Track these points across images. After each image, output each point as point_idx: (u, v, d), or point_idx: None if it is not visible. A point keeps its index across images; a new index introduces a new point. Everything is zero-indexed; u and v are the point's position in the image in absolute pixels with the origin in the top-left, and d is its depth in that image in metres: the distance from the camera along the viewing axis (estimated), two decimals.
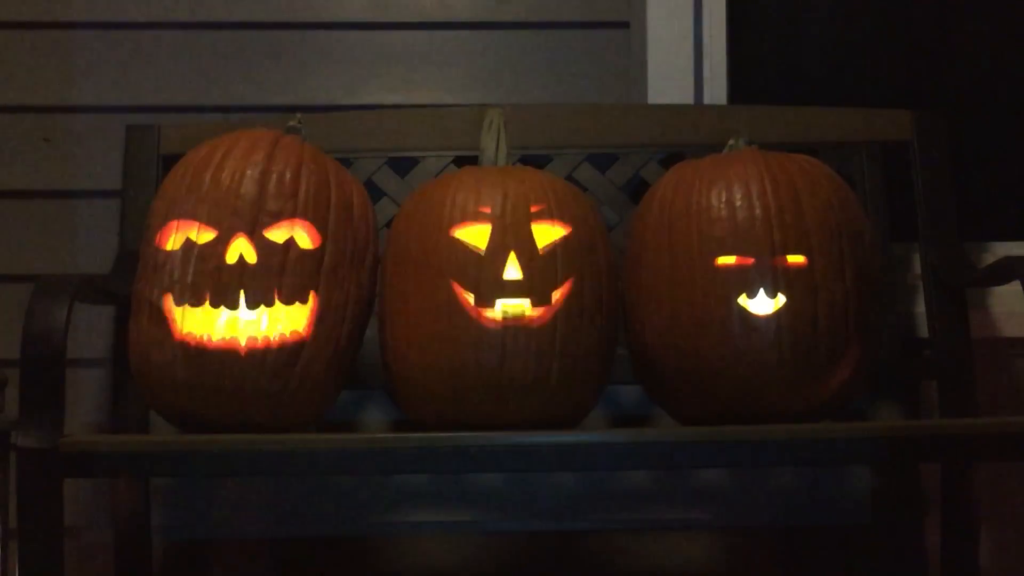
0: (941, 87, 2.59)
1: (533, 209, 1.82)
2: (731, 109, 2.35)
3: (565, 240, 1.82)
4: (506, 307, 1.78)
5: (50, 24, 2.33)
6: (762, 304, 1.80)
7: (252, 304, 1.78)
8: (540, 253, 1.80)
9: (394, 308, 1.85)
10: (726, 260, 1.82)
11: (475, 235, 1.81)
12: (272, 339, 1.78)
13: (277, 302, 1.78)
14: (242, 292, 1.78)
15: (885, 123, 2.26)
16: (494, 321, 1.77)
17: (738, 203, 1.83)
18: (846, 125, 2.26)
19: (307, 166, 1.85)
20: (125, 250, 2.13)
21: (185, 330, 1.77)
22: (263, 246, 1.79)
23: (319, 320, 1.81)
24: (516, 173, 1.89)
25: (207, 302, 1.77)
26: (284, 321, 1.79)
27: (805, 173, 1.88)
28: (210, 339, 1.77)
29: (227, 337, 1.77)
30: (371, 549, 2.32)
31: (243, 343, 1.77)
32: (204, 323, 1.78)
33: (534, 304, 1.79)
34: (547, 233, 1.82)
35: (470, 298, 1.78)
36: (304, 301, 1.80)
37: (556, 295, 1.80)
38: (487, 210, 1.82)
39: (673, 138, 2.24)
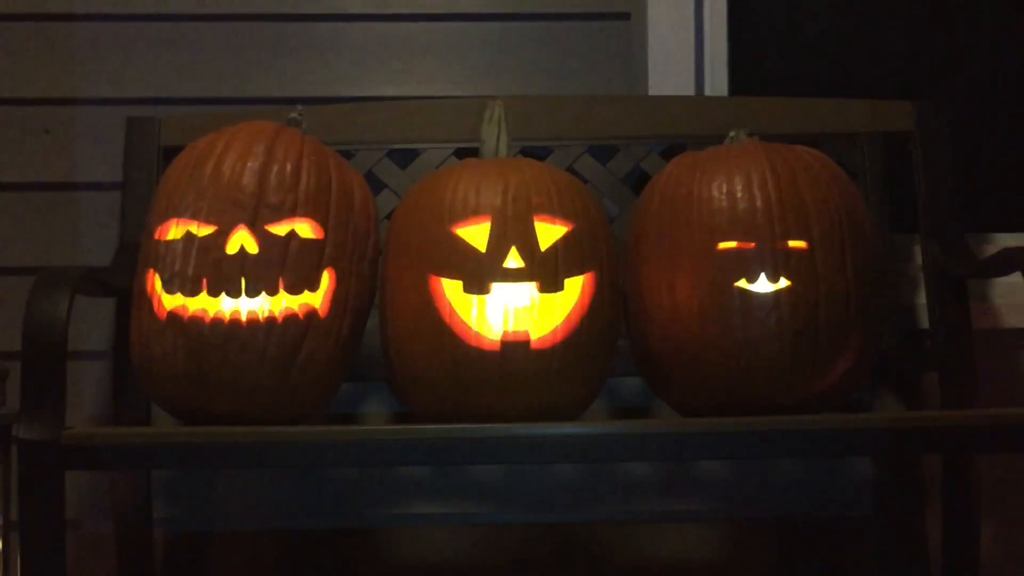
0: (942, 78, 2.59)
1: (534, 205, 1.82)
2: (732, 100, 2.35)
3: (566, 238, 1.82)
4: (507, 330, 1.78)
5: (50, 16, 2.33)
6: (763, 287, 1.80)
7: (253, 292, 1.77)
8: (542, 251, 1.80)
9: (395, 300, 1.85)
10: (727, 244, 1.82)
11: (475, 232, 1.81)
12: (276, 315, 1.78)
13: (281, 290, 1.78)
14: (243, 279, 1.78)
15: (886, 114, 2.26)
16: (492, 342, 1.77)
17: (739, 194, 1.83)
18: (847, 116, 2.25)
19: (308, 158, 1.85)
20: (126, 242, 2.13)
21: (185, 313, 1.77)
22: (264, 238, 1.79)
23: (321, 312, 1.81)
24: (517, 166, 1.89)
25: (204, 291, 1.77)
26: (288, 301, 1.79)
27: (806, 164, 1.88)
28: (206, 313, 1.76)
29: (227, 316, 1.77)
30: (372, 541, 2.32)
31: (244, 318, 1.77)
32: (204, 309, 1.78)
33: (541, 289, 1.78)
34: (549, 231, 1.82)
35: (467, 309, 1.78)
36: (313, 289, 1.80)
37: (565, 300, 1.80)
38: (487, 205, 1.81)
39: (674, 130, 2.24)
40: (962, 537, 2.13)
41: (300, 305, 1.80)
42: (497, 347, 1.78)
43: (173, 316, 1.78)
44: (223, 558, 2.31)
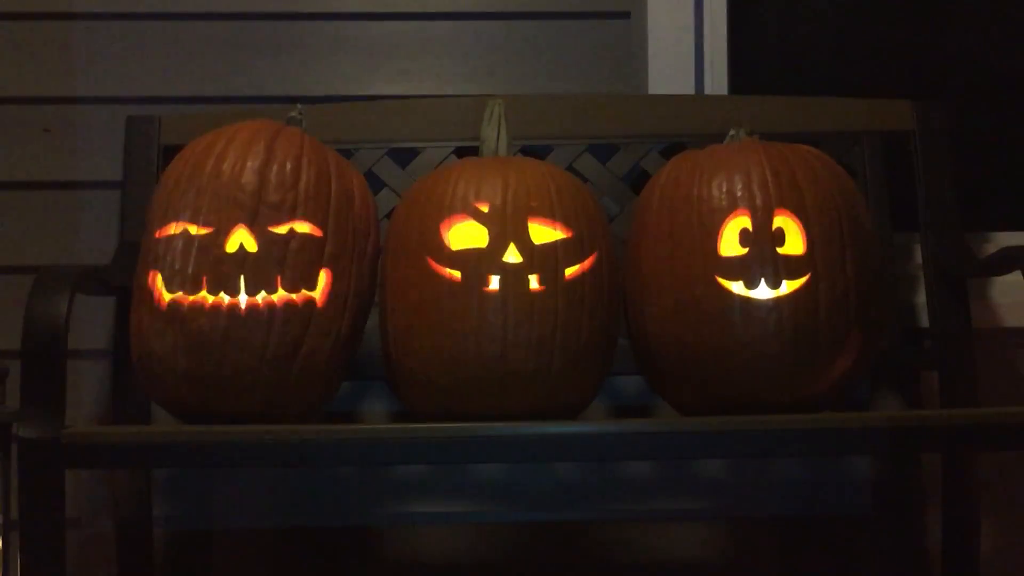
0: (943, 77, 2.59)
1: (534, 204, 1.82)
2: (732, 99, 2.35)
3: (566, 234, 1.82)
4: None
5: (50, 15, 2.33)
6: (763, 294, 1.80)
7: (252, 290, 1.77)
8: (541, 248, 1.80)
9: (395, 299, 1.85)
10: (728, 249, 1.82)
11: (475, 227, 1.81)
12: (276, 302, 1.78)
13: (280, 289, 1.78)
14: (242, 277, 1.78)
15: (886, 113, 2.26)
16: (493, 292, 1.77)
17: (739, 193, 1.83)
18: (847, 115, 2.25)
19: (308, 157, 1.85)
20: (126, 241, 2.13)
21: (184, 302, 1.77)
22: (264, 237, 1.79)
23: (321, 310, 1.81)
24: (517, 165, 1.89)
25: (204, 289, 1.77)
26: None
27: (806, 163, 1.88)
28: (205, 300, 1.76)
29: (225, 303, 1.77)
30: (372, 539, 2.32)
31: (243, 306, 1.77)
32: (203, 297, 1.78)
33: (541, 282, 1.79)
34: (548, 228, 1.82)
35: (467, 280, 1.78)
36: (311, 288, 1.80)
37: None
38: (487, 202, 1.81)
39: (674, 128, 2.24)
40: (962, 535, 2.13)
41: (300, 303, 1.80)
42: (498, 345, 1.78)
43: (173, 312, 1.78)
44: (223, 557, 2.31)
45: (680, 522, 2.35)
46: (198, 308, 1.77)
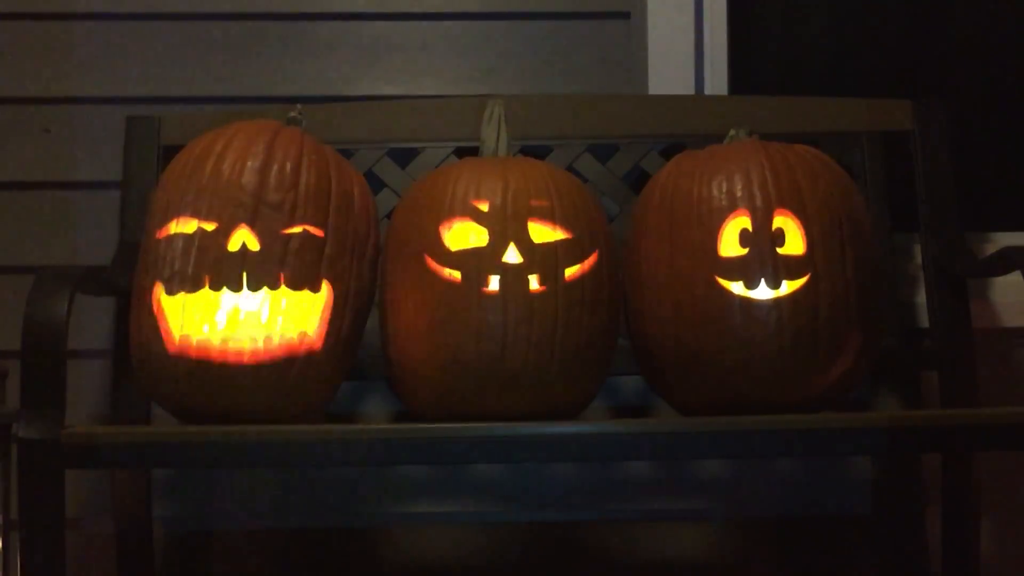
0: (942, 76, 2.59)
1: (534, 204, 1.82)
2: (732, 99, 2.35)
3: (565, 241, 1.82)
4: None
5: (50, 15, 2.33)
6: (763, 294, 1.80)
7: (255, 286, 1.77)
8: (541, 247, 1.80)
9: (395, 299, 1.85)
10: (727, 250, 1.82)
11: (475, 227, 1.81)
12: (274, 344, 1.78)
13: (282, 285, 1.78)
14: (244, 274, 1.78)
15: (886, 113, 2.26)
16: (493, 294, 1.77)
17: (739, 193, 1.83)
18: (847, 115, 2.25)
19: (307, 157, 1.85)
20: (125, 241, 2.13)
21: (184, 331, 1.77)
22: (265, 236, 1.79)
23: (321, 312, 1.81)
24: (517, 165, 1.88)
25: (207, 285, 1.77)
26: (286, 314, 1.79)
27: (806, 163, 1.88)
28: (210, 344, 1.76)
29: (229, 343, 1.76)
30: (372, 540, 2.32)
31: (247, 348, 1.76)
32: (204, 315, 1.77)
33: (541, 282, 1.79)
34: (548, 228, 1.82)
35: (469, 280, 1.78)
36: (314, 290, 1.80)
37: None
38: (487, 203, 1.82)
39: (674, 129, 2.24)
40: (962, 536, 2.13)
41: (303, 301, 1.80)
42: (498, 345, 1.78)
43: (171, 322, 1.77)
44: (223, 558, 2.31)
45: (680, 523, 2.35)
46: (198, 310, 1.77)
